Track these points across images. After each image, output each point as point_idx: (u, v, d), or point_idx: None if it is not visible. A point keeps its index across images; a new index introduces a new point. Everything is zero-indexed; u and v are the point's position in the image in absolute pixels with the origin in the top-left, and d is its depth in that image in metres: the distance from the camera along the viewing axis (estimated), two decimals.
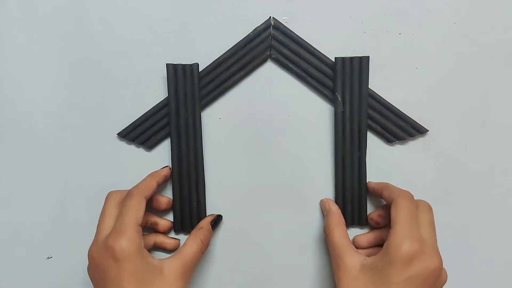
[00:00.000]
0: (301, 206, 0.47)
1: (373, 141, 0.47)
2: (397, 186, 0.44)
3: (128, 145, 0.47)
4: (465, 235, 0.47)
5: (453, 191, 0.47)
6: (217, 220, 0.46)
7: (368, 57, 0.45)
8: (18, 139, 0.48)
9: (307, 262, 0.48)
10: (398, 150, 0.47)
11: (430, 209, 0.41)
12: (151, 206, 0.46)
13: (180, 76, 0.46)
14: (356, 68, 0.46)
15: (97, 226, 0.41)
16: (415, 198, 0.42)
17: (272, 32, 0.46)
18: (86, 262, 0.41)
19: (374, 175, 0.47)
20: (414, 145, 0.47)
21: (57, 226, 0.48)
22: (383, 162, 0.47)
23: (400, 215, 0.38)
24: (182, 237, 0.48)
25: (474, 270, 0.47)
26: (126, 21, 0.47)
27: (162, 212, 0.47)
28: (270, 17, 0.46)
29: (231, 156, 0.47)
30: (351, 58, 0.46)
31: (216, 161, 0.47)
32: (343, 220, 0.44)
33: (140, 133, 0.47)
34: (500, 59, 0.46)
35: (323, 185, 0.47)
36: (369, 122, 0.46)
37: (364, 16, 0.46)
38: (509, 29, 0.46)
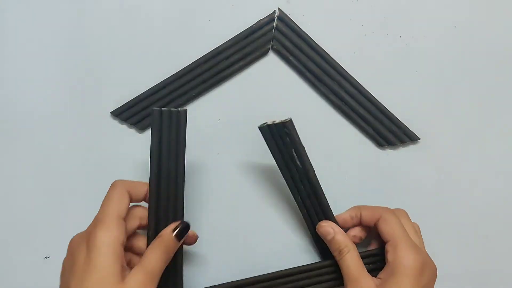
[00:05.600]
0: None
1: (364, 144, 0.47)
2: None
3: (121, 125, 0.47)
4: (461, 239, 0.47)
5: (446, 196, 0.47)
6: (183, 229, 0.39)
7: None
8: (13, 132, 0.47)
9: (305, 262, 0.47)
10: (389, 154, 0.47)
11: (407, 214, 0.43)
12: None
13: (165, 123, 0.39)
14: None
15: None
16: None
17: (276, 23, 0.46)
18: None
19: (366, 177, 0.47)
20: (406, 150, 0.47)
21: (55, 226, 0.47)
22: (372, 165, 0.47)
23: (396, 231, 0.40)
24: None
25: (472, 273, 0.47)
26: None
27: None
28: (276, 8, 0.46)
29: (231, 156, 0.47)
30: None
31: (217, 161, 0.47)
32: (352, 242, 0.42)
33: (133, 114, 0.47)
34: (500, 63, 0.47)
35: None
36: (362, 123, 0.47)
37: (365, 19, 0.47)
38: (509, 34, 0.47)
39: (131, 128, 0.47)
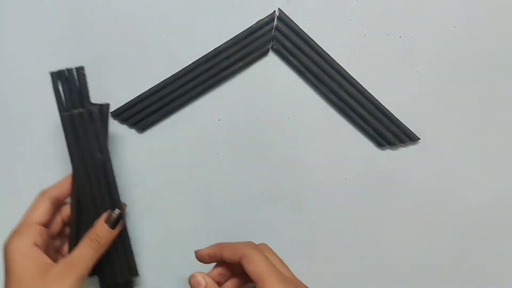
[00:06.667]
0: (299, 207, 0.47)
1: (364, 144, 0.47)
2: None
3: (121, 125, 0.47)
4: (461, 239, 0.47)
5: (446, 196, 0.47)
6: (117, 218, 0.41)
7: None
8: (13, 132, 0.48)
9: (304, 264, 0.47)
10: (389, 154, 0.47)
11: (269, 247, 0.40)
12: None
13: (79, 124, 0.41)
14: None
15: None
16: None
17: (276, 23, 0.46)
18: None
19: (366, 178, 0.47)
20: (406, 150, 0.47)
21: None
22: (372, 165, 0.47)
23: (262, 268, 0.36)
24: None
25: (472, 273, 0.47)
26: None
27: None
28: (276, 8, 0.46)
29: (231, 156, 0.47)
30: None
31: (216, 162, 0.47)
32: None
33: (133, 114, 0.47)
34: (500, 63, 0.47)
35: (321, 185, 0.47)
36: (362, 124, 0.47)
37: (365, 19, 0.46)
38: (509, 34, 0.47)
39: (131, 129, 0.47)
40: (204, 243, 0.46)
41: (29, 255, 0.38)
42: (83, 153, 0.41)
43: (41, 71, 0.47)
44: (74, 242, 0.42)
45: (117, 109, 0.47)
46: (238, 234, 0.47)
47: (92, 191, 0.42)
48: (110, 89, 0.47)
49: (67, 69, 0.41)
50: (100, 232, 0.40)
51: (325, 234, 0.47)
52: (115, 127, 0.47)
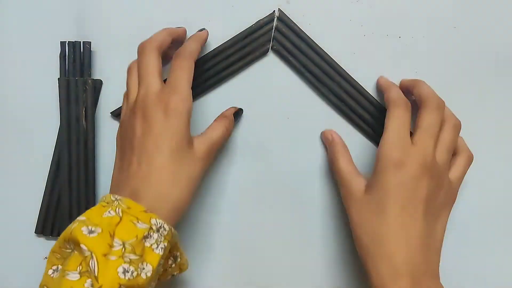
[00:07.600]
0: (299, 208, 0.48)
1: (364, 144, 0.47)
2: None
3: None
4: (460, 240, 0.48)
5: None
6: (238, 112, 0.46)
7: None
8: (14, 131, 0.48)
9: (305, 263, 0.47)
10: None
11: (455, 126, 0.42)
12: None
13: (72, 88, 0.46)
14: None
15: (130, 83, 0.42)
16: None
17: (276, 23, 0.46)
18: None
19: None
20: None
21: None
22: (372, 166, 0.47)
23: (390, 123, 0.40)
24: None
25: (471, 273, 0.48)
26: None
27: None
28: (276, 9, 0.46)
29: (231, 156, 0.47)
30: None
31: (216, 162, 0.47)
32: (347, 148, 0.45)
33: None
34: (500, 63, 0.47)
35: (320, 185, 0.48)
36: (362, 124, 0.47)
37: (364, 19, 0.46)
38: (509, 34, 0.47)
39: None
40: (203, 242, 0.47)
41: (189, 122, 0.39)
42: (70, 118, 0.46)
43: (41, 71, 0.47)
44: (48, 197, 0.46)
45: (117, 109, 0.47)
46: (237, 233, 0.47)
47: (71, 156, 0.46)
48: (110, 88, 0.47)
49: (76, 41, 0.46)
50: (231, 122, 0.44)
51: (325, 234, 0.47)
52: (115, 127, 0.47)
